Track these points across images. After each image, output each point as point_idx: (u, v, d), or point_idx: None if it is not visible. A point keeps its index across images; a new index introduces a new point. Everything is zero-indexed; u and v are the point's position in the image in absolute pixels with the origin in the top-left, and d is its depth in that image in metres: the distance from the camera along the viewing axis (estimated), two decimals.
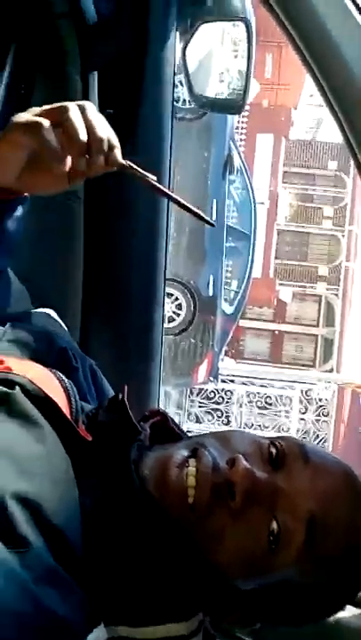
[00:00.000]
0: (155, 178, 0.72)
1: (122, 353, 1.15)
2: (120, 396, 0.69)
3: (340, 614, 0.73)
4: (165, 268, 1.19)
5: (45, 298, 0.89)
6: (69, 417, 0.66)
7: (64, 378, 0.71)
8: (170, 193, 0.74)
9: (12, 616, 0.49)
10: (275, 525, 0.61)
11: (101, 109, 1.06)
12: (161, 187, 0.73)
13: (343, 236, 11.01)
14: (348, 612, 0.75)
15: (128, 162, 0.71)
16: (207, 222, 0.77)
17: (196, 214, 0.73)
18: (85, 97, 1.06)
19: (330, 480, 0.64)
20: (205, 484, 0.61)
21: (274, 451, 0.65)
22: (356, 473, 0.68)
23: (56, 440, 0.62)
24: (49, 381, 0.68)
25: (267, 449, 0.65)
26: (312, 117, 11.16)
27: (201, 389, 7.70)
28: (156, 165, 1.13)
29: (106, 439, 0.66)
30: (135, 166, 0.71)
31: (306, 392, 9.36)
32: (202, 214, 0.73)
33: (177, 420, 0.75)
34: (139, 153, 1.10)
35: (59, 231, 1.14)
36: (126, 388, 0.70)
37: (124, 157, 0.70)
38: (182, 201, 0.72)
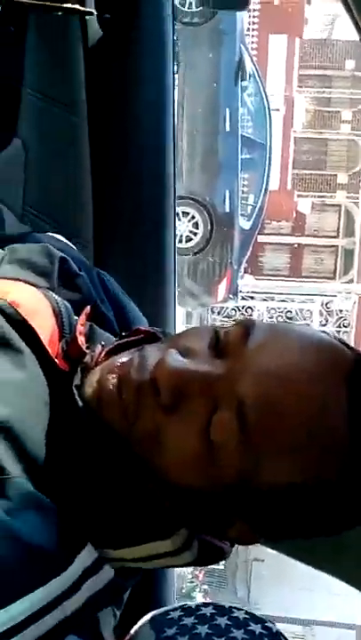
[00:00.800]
0: None
1: (135, 276, 1.12)
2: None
3: None
4: (175, 183, 1.14)
5: (58, 226, 0.87)
6: (57, 342, 0.63)
7: (57, 299, 0.67)
8: None
9: None
10: (211, 417, 0.55)
11: (99, 14, 0.99)
12: None
13: None
14: None
15: None
16: (86, 13, 0.68)
17: (70, 9, 0.66)
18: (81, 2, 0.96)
19: (271, 357, 0.55)
20: (128, 385, 0.56)
21: (222, 337, 0.57)
22: None
23: (36, 367, 0.59)
24: (36, 303, 0.64)
25: (214, 338, 0.58)
26: (326, 13, 10.48)
27: (222, 308, 7.70)
28: (158, 74, 1.07)
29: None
30: None
31: (326, 304, 9.33)
32: (78, 7, 0.66)
33: None
34: (140, 61, 1.05)
35: (64, 151, 1.09)
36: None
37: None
38: None
